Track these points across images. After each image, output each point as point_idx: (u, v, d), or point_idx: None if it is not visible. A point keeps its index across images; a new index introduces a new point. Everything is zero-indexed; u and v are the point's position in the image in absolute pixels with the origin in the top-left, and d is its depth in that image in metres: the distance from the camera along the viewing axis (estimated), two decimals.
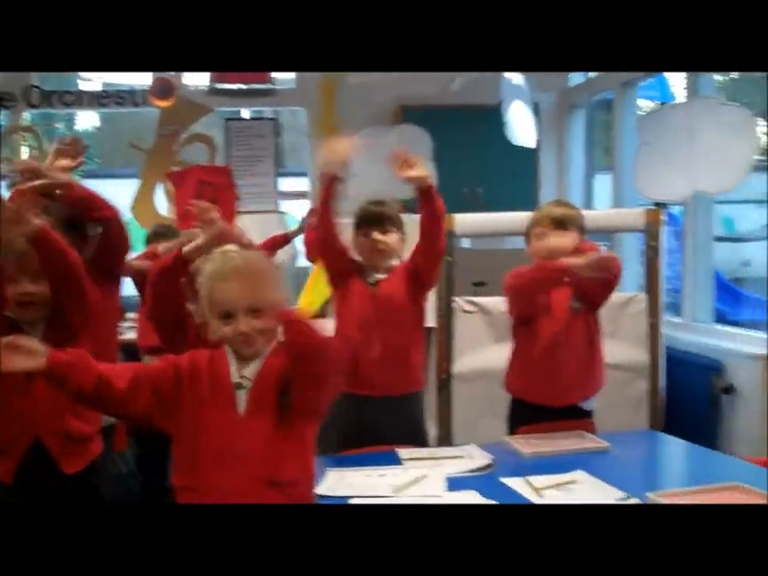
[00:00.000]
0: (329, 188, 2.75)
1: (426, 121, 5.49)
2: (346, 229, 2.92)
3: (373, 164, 4.74)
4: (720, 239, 5.20)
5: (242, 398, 1.85)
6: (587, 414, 2.87)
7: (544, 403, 2.79)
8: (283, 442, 1.83)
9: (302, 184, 6.11)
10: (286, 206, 6.12)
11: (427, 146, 5.33)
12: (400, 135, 5.36)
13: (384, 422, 2.77)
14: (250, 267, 1.88)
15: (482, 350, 3.74)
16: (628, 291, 4.16)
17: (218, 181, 5.05)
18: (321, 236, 2.86)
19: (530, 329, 2.82)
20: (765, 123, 5.69)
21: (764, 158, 6.72)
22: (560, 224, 2.78)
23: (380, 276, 2.89)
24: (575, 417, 2.82)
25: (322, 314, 4.29)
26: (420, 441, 2.86)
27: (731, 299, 6.24)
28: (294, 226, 5.07)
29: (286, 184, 6.25)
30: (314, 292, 4.66)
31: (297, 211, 6.50)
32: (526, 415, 2.83)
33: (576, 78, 5.97)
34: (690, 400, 3.95)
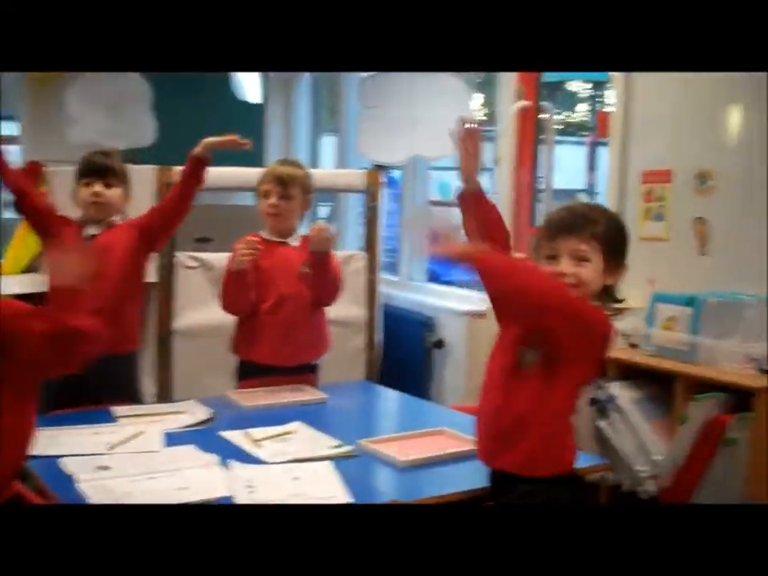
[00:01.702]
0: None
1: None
2: (62, 177, 2.77)
3: (92, 111, 4.52)
4: (435, 203, 5.48)
5: None
6: (313, 369, 2.94)
7: (275, 364, 2.82)
8: None
9: (9, 128, 5.64)
10: None
11: (147, 96, 5.12)
12: (120, 83, 5.10)
13: (97, 382, 2.66)
14: None
15: (204, 305, 3.68)
16: (348, 250, 4.29)
17: None
18: (16, 199, 2.70)
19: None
20: (481, 96, 6.07)
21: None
22: (283, 183, 2.81)
23: (98, 230, 2.77)
24: (302, 373, 2.88)
25: (32, 268, 4.02)
26: (134, 400, 2.78)
27: (442, 260, 6.60)
28: None
29: None
30: (22, 246, 4.35)
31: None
32: (254, 374, 2.84)
33: None
34: (405, 353, 4.17)
